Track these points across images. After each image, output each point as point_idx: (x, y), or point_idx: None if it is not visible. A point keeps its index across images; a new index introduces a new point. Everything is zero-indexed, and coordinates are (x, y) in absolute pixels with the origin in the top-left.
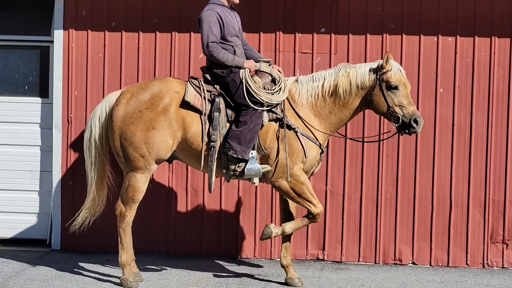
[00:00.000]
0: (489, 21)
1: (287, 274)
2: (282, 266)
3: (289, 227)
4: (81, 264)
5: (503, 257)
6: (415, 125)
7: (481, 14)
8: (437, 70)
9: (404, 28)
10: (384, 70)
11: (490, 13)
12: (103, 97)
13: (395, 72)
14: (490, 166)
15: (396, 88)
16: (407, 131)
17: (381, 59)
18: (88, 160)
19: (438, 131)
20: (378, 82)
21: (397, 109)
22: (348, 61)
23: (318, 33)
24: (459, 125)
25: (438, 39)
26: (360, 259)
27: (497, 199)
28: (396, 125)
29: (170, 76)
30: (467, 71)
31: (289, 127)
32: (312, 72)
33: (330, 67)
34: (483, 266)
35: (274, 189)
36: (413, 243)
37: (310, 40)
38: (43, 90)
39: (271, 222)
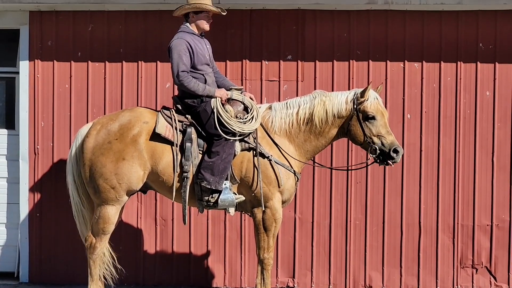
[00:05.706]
0: (455, 46)
1: None
2: None
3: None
4: None
5: (472, 282)
6: (394, 155)
7: (446, 39)
8: (404, 95)
9: (370, 54)
10: (361, 100)
11: (456, 38)
12: (70, 128)
13: (372, 101)
14: (459, 191)
15: (373, 118)
16: (386, 162)
17: (349, 86)
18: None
19: (406, 156)
20: (355, 112)
21: (375, 139)
22: (315, 89)
23: (284, 60)
24: (427, 150)
25: (404, 64)
26: (331, 286)
27: (466, 224)
28: (373, 156)
29: (138, 105)
30: (434, 96)
31: (263, 156)
32: (279, 100)
33: (297, 94)
34: None
35: (242, 218)
36: (383, 269)
37: (277, 67)
38: (9, 121)
39: (240, 251)
